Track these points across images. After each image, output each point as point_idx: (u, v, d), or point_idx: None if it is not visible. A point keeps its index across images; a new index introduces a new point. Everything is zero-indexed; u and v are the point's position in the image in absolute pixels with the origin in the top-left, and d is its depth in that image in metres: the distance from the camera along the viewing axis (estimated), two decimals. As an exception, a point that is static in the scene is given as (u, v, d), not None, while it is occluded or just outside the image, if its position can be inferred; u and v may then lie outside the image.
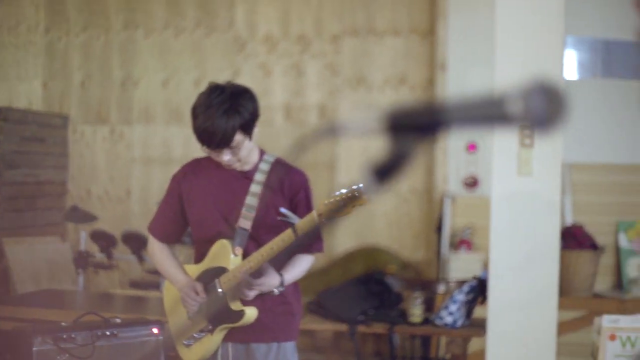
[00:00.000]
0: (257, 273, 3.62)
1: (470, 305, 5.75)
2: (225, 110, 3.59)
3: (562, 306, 5.28)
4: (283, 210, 3.65)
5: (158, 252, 4.00)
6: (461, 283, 6.02)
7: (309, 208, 3.65)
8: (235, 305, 3.75)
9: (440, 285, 6.40)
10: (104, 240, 6.87)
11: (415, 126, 0.98)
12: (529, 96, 0.86)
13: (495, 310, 5.01)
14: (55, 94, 8.22)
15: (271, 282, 3.67)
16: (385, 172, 1.00)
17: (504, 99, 0.87)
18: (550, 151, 4.86)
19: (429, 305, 6.13)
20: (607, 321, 4.41)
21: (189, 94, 7.43)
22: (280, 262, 3.74)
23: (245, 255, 3.74)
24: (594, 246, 6.24)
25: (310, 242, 3.82)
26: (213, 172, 3.83)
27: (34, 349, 4.09)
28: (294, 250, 3.80)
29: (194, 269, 3.89)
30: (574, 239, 6.21)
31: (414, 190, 7.35)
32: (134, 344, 4.43)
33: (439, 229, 6.88)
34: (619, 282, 6.75)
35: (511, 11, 4.94)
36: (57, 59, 8.21)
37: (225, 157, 3.69)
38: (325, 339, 6.67)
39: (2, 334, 4.50)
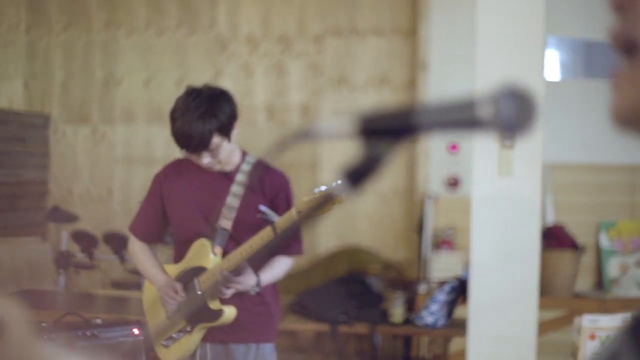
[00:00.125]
0: (236, 272, 3.64)
1: (451, 306, 5.77)
2: (202, 113, 3.62)
3: (542, 306, 5.29)
4: (262, 207, 3.67)
5: (138, 251, 4.02)
6: (442, 283, 6.04)
7: (289, 209, 3.66)
8: (214, 305, 3.76)
9: (421, 286, 6.41)
10: (85, 240, 6.85)
11: (388, 130, 0.98)
12: (498, 100, 0.86)
13: (475, 310, 5.02)
14: (37, 93, 8.19)
15: (248, 281, 3.69)
16: (358, 175, 1.01)
17: (475, 103, 0.88)
18: (530, 152, 4.88)
19: (411, 306, 6.14)
20: (587, 321, 4.43)
21: (170, 94, 7.36)
22: (258, 263, 3.75)
23: (224, 255, 3.75)
24: (574, 246, 6.27)
25: (289, 242, 3.83)
26: (195, 172, 3.84)
27: (14, 349, 4.07)
28: (273, 251, 3.81)
29: (174, 269, 3.91)
30: (555, 239, 6.24)
31: (395, 191, 7.36)
32: (114, 345, 4.42)
33: (420, 229, 6.89)
34: (600, 282, 6.78)
35: (492, 12, 4.95)
36: (38, 58, 8.18)
37: (205, 159, 3.71)
38: (307, 339, 6.68)
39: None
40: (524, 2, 4.95)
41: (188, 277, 3.83)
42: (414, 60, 7.34)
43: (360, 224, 7.40)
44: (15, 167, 7.72)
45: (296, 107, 7.59)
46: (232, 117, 3.73)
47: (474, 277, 5.02)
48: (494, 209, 4.95)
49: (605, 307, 6.00)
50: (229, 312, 3.76)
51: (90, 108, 8.06)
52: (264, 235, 3.59)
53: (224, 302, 3.77)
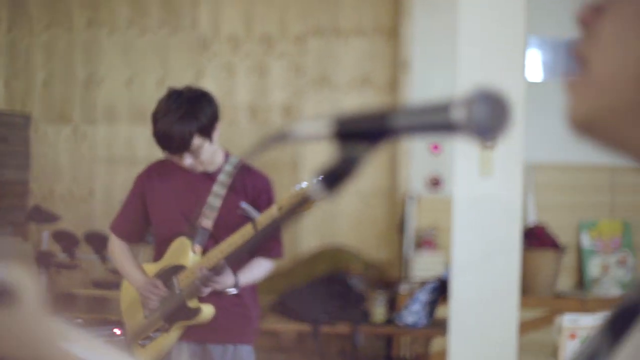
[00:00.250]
0: (215, 270, 3.64)
1: (432, 305, 5.79)
2: (182, 115, 3.63)
3: (523, 306, 5.31)
4: (244, 204, 3.67)
5: (118, 250, 4.03)
6: (424, 283, 6.06)
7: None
8: (192, 303, 3.77)
9: (402, 286, 6.42)
10: (66, 240, 6.84)
11: (364, 132, 0.99)
12: (472, 104, 0.87)
13: (457, 309, 5.04)
14: (18, 93, 8.16)
15: (225, 281, 3.69)
16: (334, 177, 1.01)
17: (450, 106, 0.88)
18: (511, 152, 4.89)
19: (392, 305, 6.15)
20: (567, 320, 4.45)
21: (152, 93, 7.36)
22: (238, 264, 3.76)
23: (204, 254, 3.76)
24: (555, 246, 6.29)
25: (270, 244, 3.84)
26: (177, 173, 3.85)
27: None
28: (253, 252, 3.82)
29: (153, 267, 3.91)
30: (536, 239, 6.25)
31: (377, 191, 7.36)
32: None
33: (401, 229, 6.90)
34: (581, 282, 6.80)
35: (473, 13, 4.96)
36: (19, 58, 8.14)
37: (187, 160, 3.72)
38: (289, 339, 6.68)
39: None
40: (505, 2, 4.96)
41: (167, 276, 3.83)
42: (396, 61, 7.35)
43: (342, 224, 7.41)
44: (-4, 167, 7.69)
45: (278, 107, 7.59)
46: (213, 118, 3.74)
47: (455, 277, 5.03)
48: (475, 209, 4.96)
49: (586, 307, 6.02)
50: (207, 311, 3.77)
51: (71, 108, 8.03)
52: (245, 233, 3.60)
53: (202, 300, 3.77)
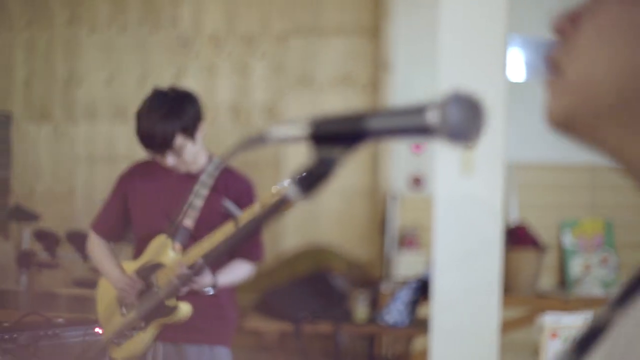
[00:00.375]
0: (195, 269, 3.64)
1: (413, 305, 5.79)
2: (165, 114, 3.64)
3: (505, 305, 5.32)
4: (226, 202, 3.67)
5: (97, 249, 4.04)
6: (405, 282, 6.06)
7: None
8: (170, 301, 3.76)
9: (384, 285, 6.42)
10: (47, 239, 6.82)
11: (339, 135, 0.99)
12: (445, 107, 0.87)
13: (438, 308, 5.04)
14: (-2, 91, 8.13)
15: (203, 279, 3.69)
16: (310, 179, 1.02)
17: (424, 109, 0.88)
18: (493, 151, 4.90)
19: (374, 305, 6.16)
20: (548, 320, 4.46)
21: (133, 92, 7.38)
22: (217, 264, 3.76)
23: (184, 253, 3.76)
24: (537, 245, 6.31)
25: (250, 246, 3.85)
26: (160, 173, 3.86)
27: (-25, 350, 4.05)
28: (232, 253, 3.82)
29: (132, 265, 3.91)
30: (517, 238, 6.27)
31: (360, 190, 7.36)
32: (77, 344, 4.40)
33: (384, 228, 6.91)
34: (563, 281, 6.82)
35: (454, 13, 4.97)
36: (-1, 56, 8.12)
37: (169, 160, 3.72)
38: (271, 339, 6.67)
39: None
40: (486, 2, 4.96)
41: (146, 273, 3.83)
42: (378, 60, 7.35)
43: (324, 223, 7.40)
44: (-23, 166, 7.66)
45: (260, 106, 7.58)
46: (197, 118, 3.75)
47: (437, 276, 5.03)
48: (456, 208, 4.97)
49: (568, 306, 6.03)
50: (185, 309, 3.77)
51: (52, 106, 8.00)
52: (226, 230, 3.60)
53: (179, 299, 3.77)
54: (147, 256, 3.86)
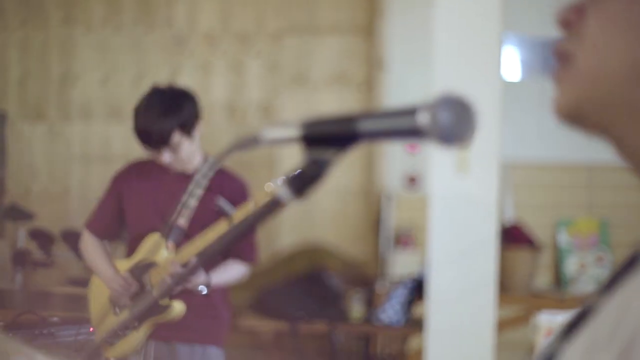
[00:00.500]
0: (188, 269, 3.64)
1: (409, 304, 5.79)
2: (164, 110, 3.64)
3: (501, 304, 5.32)
4: (219, 200, 3.67)
5: (90, 248, 4.03)
6: (401, 282, 6.06)
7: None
8: (163, 300, 3.76)
9: (380, 284, 6.42)
10: (42, 238, 6.81)
11: (331, 137, 0.99)
12: (435, 110, 0.87)
13: (433, 308, 5.04)
14: (-7, 90, 8.12)
15: (196, 278, 3.68)
16: (302, 181, 1.02)
17: (415, 111, 0.88)
18: (488, 150, 4.89)
19: (370, 304, 6.16)
20: (543, 318, 4.46)
21: (128, 91, 7.38)
22: (210, 264, 3.76)
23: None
24: (533, 244, 6.31)
25: (243, 247, 3.84)
26: (155, 172, 3.86)
27: (-31, 349, 4.04)
28: (226, 253, 3.82)
29: (125, 264, 3.91)
30: (513, 237, 6.27)
31: (356, 189, 7.36)
32: (71, 343, 4.40)
33: (378, 227, 6.91)
34: (558, 280, 6.83)
35: (449, 10, 4.96)
36: (-6, 55, 8.11)
37: (165, 156, 3.72)
38: (267, 337, 6.67)
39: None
40: (481, 1, 4.96)
41: (139, 272, 3.83)
42: (373, 59, 7.35)
43: (319, 222, 7.40)
44: (-28, 165, 7.65)
45: (255, 105, 7.57)
46: (195, 116, 3.75)
47: (432, 275, 5.03)
48: (451, 208, 4.96)
49: (563, 305, 6.04)
50: (178, 308, 3.76)
51: (47, 105, 7.99)
52: (219, 229, 3.60)
53: (172, 298, 3.77)
54: (141, 255, 3.86)
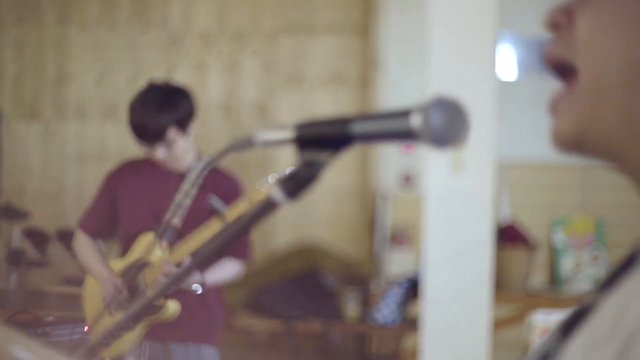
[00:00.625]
0: (181, 267, 3.64)
1: (404, 303, 5.79)
2: (160, 105, 3.64)
3: (496, 303, 5.32)
4: (211, 199, 3.67)
5: (83, 246, 4.02)
6: (396, 281, 6.06)
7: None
8: (158, 300, 3.75)
9: (375, 283, 6.42)
10: (37, 237, 6.81)
11: (324, 139, 0.99)
12: (428, 112, 0.87)
13: (429, 307, 5.04)
14: (-13, 89, 8.11)
15: (191, 278, 3.68)
16: (296, 183, 1.02)
17: (407, 113, 0.88)
18: (483, 150, 4.89)
19: (365, 303, 6.16)
20: (539, 318, 4.46)
21: (123, 90, 7.37)
22: (205, 263, 3.75)
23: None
24: (528, 243, 6.31)
25: (237, 244, 3.84)
26: (148, 171, 3.85)
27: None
28: (221, 251, 3.81)
29: (119, 263, 3.90)
30: (508, 236, 6.27)
31: (351, 188, 7.36)
32: (67, 342, 4.39)
33: (373, 227, 6.91)
34: (554, 279, 6.83)
35: (445, 10, 4.96)
36: (-11, 54, 8.10)
37: (160, 152, 3.71)
38: (262, 336, 6.67)
39: None
40: (476, 0, 4.96)
41: (133, 271, 3.82)
42: (368, 58, 7.35)
43: (315, 221, 7.40)
44: (-34, 164, 7.64)
45: (250, 104, 7.57)
46: (190, 113, 3.75)
47: (427, 275, 5.03)
48: (446, 207, 4.96)
49: (559, 304, 6.04)
50: (173, 307, 3.76)
51: (42, 105, 7.98)
52: (212, 227, 3.60)
53: (166, 297, 3.76)
54: (135, 254, 3.85)
